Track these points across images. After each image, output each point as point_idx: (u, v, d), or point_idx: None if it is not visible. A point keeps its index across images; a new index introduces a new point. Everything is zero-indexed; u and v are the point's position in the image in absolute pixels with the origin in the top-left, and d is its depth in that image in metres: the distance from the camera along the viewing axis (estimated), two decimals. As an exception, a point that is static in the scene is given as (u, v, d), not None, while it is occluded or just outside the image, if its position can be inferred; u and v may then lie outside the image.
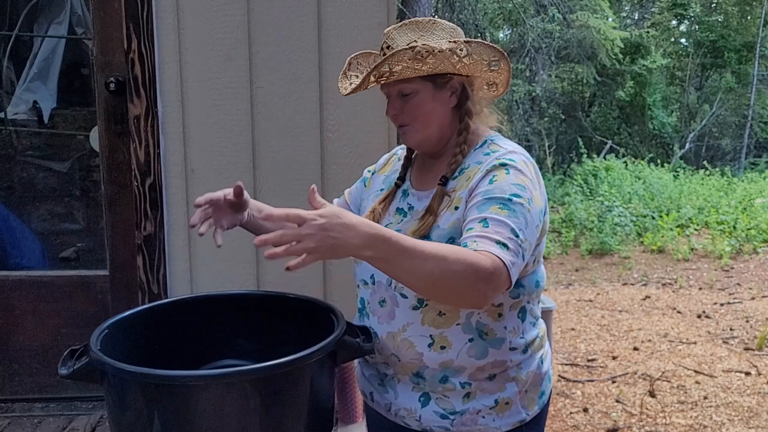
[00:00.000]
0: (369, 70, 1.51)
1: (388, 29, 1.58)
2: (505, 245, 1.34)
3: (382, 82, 1.53)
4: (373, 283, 1.59)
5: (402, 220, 1.60)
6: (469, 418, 1.54)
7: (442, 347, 1.52)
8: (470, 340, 1.52)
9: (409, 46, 1.48)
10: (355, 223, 1.25)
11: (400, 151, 1.77)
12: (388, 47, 1.54)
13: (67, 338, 2.77)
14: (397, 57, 1.48)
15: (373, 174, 1.82)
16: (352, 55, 1.69)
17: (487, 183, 1.45)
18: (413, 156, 1.72)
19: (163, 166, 2.57)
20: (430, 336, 1.52)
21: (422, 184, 1.63)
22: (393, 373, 1.60)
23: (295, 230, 1.22)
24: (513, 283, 1.37)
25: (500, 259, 1.31)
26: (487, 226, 1.37)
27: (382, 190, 1.72)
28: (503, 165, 1.47)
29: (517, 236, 1.36)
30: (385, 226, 1.56)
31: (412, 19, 1.60)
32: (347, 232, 1.23)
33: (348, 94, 1.61)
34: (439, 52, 1.49)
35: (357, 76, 1.66)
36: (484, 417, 1.54)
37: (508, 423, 1.56)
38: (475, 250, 1.32)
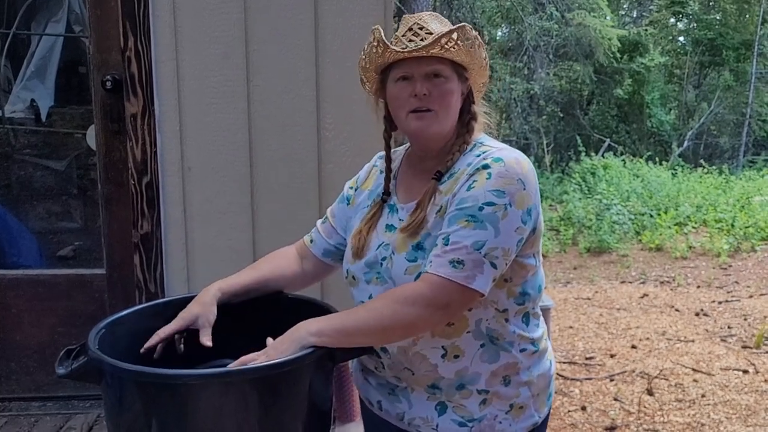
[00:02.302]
0: (443, 32, 1.45)
1: (417, 14, 1.56)
2: (460, 263, 1.39)
3: (437, 53, 1.47)
4: None
5: (392, 234, 1.58)
6: (487, 424, 1.53)
7: (456, 356, 1.51)
8: (482, 346, 1.52)
9: (467, 27, 1.49)
10: (297, 327, 1.43)
11: (380, 161, 1.74)
12: (420, 28, 1.50)
13: (64, 337, 2.76)
14: (463, 31, 1.47)
15: (356, 190, 1.77)
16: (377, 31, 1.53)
17: (465, 189, 1.45)
18: (397, 167, 1.70)
19: (160, 165, 2.57)
20: (442, 347, 1.51)
21: (410, 195, 1.61)
22: (406, 385, 1.59)
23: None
24: (486, 292, 1.42)
25: (445, 278, 1.39)
26: (447, 244, 1.42)
27: (368, 206, 1.69)
28: (486, 167, 1.46)
29: (480, 249, 1.40)
30: (378, 247, 1.57)
31: (433, 12, 1.59)
32: (294, 332, 1.42)
33: (409, 51, 1.47)
34: (483, 48, 1.54)
35: (410, 40, 1.50)
36: (501, 422, 1.54)
37: (523, 427, 1.57)
38: (426, 271, 1.42)
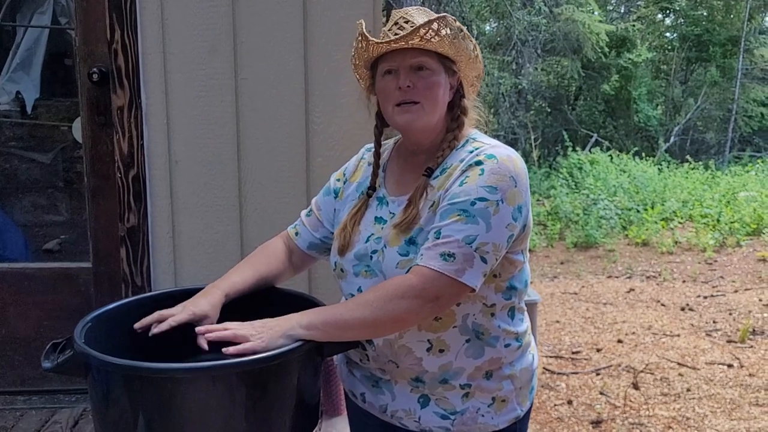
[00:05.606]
0: (422, 23, 1.44)
1: (404, 9, 1.56)
2: (450, 256, 1.40)
3: (418, 43, 1.47)
4: None
5: (382, 228, 1.58)
6: (470, 417, 1.54)
7: (441, 350, 1.52)
8: (467, 341, 1.52)
9: (449, 18, 1.48)
10: (289, 317, 1.44)
11: (367, 154, 1.74)
12: (406, 22, 1.50)
13: (49, 331, 2.75)
14: (445, 21, 1.47)
15: (344, 183, 1.76)
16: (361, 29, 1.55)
17: (458, 185, 1.46)
18: (386, 159, 1.70)
19: (147, 158, 2.55)
20: (428, 341, 1.51)
21: (401, 188, 1.61)
22: (389, 377, 1.59)
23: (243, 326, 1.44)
24: (476, 287, 1.42)
25: (436, 270, 1.39)
26: (439, 237, 1.42)
27: (356, 198, 1.69)
28: (479, 164, 1.46)
29: (471, 243, 1.40)
30: (367, 239, 1.57)
31: (421, 7, 1.60)
32: (285, 321, 1.42)
33: (388, 42, 1.48)
34: (470, 39, 1.53)
35: (390, 34, 1.51)
36: (483, 415, 1.55)
37: (505, 420, 1.58)
38: (417, 264, 1.42)
